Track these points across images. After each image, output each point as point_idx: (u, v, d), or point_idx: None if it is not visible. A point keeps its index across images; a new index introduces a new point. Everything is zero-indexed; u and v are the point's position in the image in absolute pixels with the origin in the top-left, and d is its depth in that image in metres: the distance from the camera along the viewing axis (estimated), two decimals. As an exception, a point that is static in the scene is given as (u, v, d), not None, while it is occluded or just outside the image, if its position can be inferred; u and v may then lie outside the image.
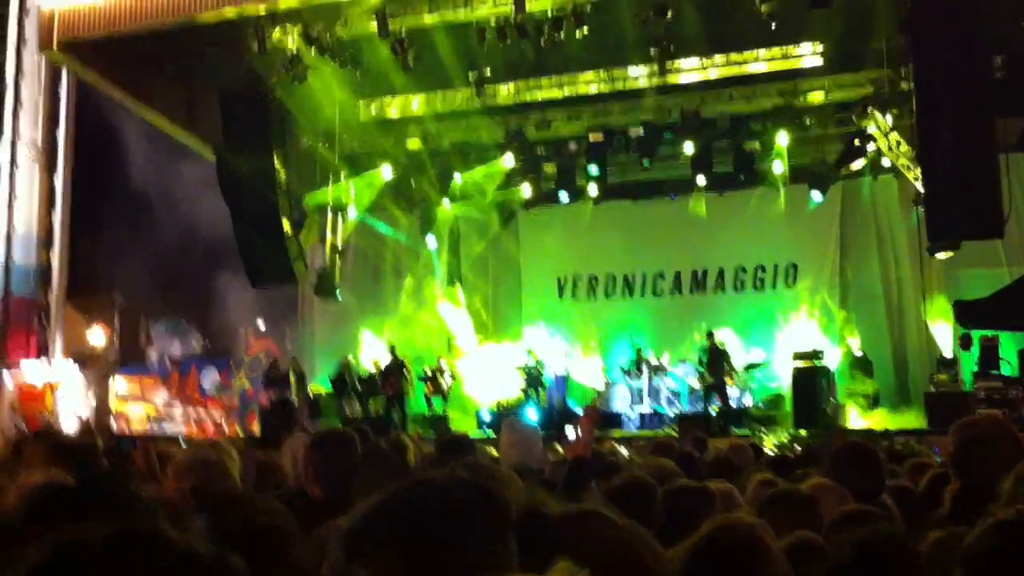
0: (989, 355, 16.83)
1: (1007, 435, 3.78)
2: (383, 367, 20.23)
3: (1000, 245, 16.61)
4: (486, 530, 1.63)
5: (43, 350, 25.03)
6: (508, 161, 20.90)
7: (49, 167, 25.25)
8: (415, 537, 1.58)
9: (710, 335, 18.37)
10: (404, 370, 20.00)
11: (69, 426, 20.61)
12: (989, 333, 17.00)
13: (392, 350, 20.35)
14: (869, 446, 4.62)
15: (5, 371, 23.62)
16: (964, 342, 17.40)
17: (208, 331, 30.20)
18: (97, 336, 30.15)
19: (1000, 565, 1.78)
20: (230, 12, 16.92)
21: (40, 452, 4.35)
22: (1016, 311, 16.59)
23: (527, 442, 5.23)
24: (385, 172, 21.39)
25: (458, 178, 21.68)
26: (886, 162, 18.90)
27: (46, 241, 25.26)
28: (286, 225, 19.49)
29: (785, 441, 13.86)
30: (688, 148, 19.55)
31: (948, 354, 17.86)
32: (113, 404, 24.92)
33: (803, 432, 15.39)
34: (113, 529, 1.50)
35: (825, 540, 3.14)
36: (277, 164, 19.11)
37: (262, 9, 16.87)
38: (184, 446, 10.38)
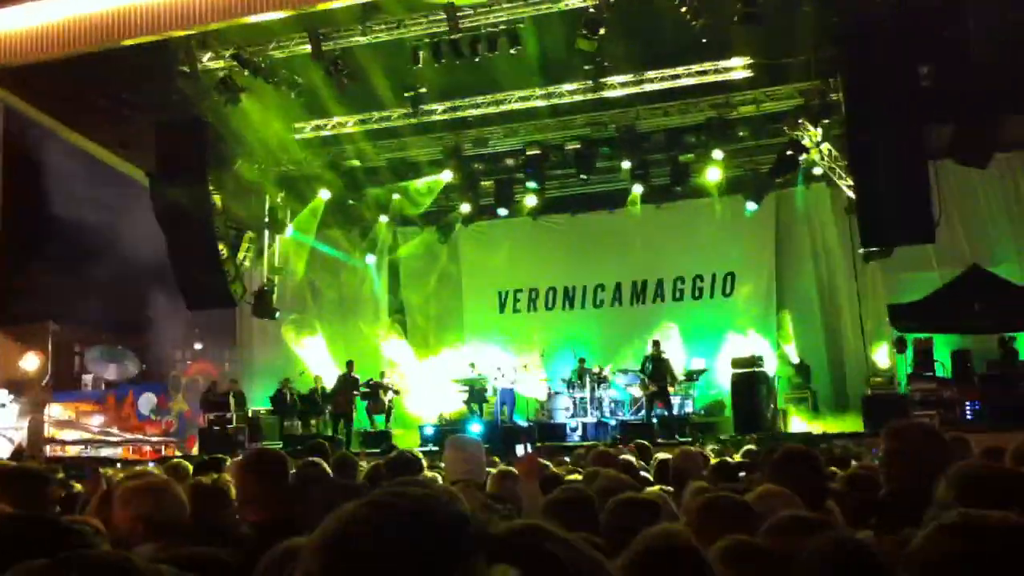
0: (923, 357, 17.18)
1: (934, 442, 3.86)
2: (334, 384, 20.04)
3: (931, 249, 16.97)
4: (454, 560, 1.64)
5: (-26, 379, 24.49)
6: (446, 176, 20.92)
7: (-23, 193, 24.69)
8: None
9: (655, 344, 18.52)
10: (357, 387, 19.86)
11: (2, 453, 20.20)
12: (923, 336, 17.34)
13: (348, 365, 20.18)
14: (809, 451, 4.66)
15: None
16: (899, 345, 17.74)
17: (145, 355, 29.75)
18: (30, 363, 29.58)
19: (953, 569, 1.81)
20: (156, 36, 16.70)
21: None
22: (948, 314, 16.97)
23: (472, 458, 5.25)
24: (323, 194, 21.31)
25: (396, 196, 21.66)
26: (818, 171, 19.24)
27: (-25, 268, 24.70)
28: (222, 248, 19.34)
29: (718, 447, 13.97)
30: (625, 162, 19.72)
31: (884, 358, 18.19)
32: (48, 430, 24.44)
33: (746, 437, 15.55)
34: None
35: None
36: (212, 187, 18.98)
37: (191, 32, 16.68)
38: (118, 468, 10.24)
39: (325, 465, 5.56)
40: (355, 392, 19.87)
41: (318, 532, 1.65)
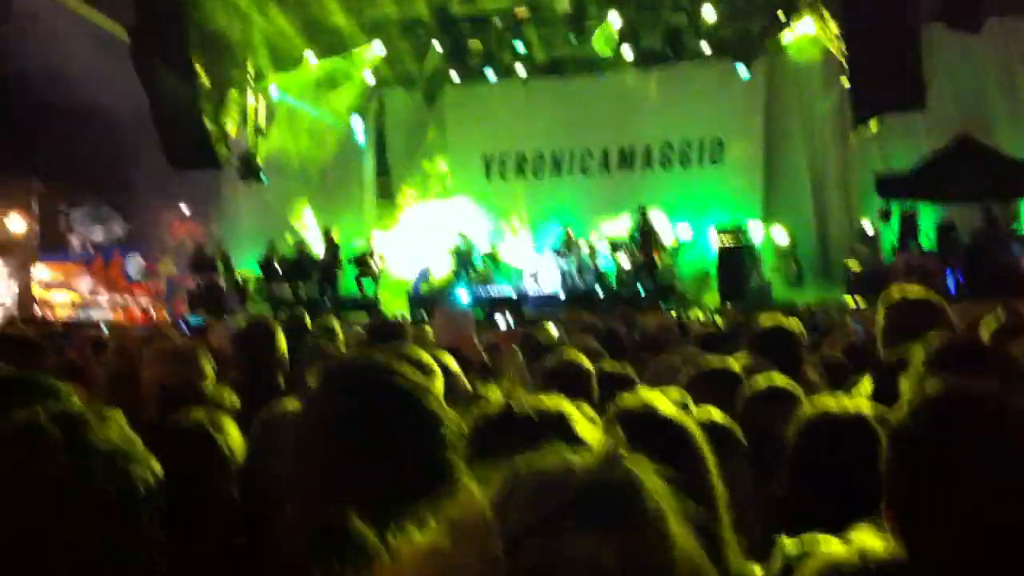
0: (908, 228, 17.25)
1: (932, 311, 3.86)
2: (316, 249, 20.13)
3: (920, 119, 16.82)
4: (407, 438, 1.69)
5: (-41, 240, 24.40)
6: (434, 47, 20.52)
7: (-44, 50, 24.17)
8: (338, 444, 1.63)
9: (643, 212, 18.50)
10: (334, 253, 19.94)
11: (-7, 314, 20.30)
12: (908, 205, 17.37)
13: (326, 233, 20.20)
14: (784, 327, 4.68)
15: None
16: (884, 215, 17.78)
17: (131, 217, 29.58)
18: (16, 223, 29.40)
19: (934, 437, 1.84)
20: None
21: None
22: (935, 183, 16.95)
23: (460, 325, 5.30)
24: (308, 55, 20.89)
25: (380, 52, 21.11)
26: (811, 33, 18.86)
27: (-44, 127, 24.35)
28: (206, 106, 19.04)
29: (703, 317, 14.12)
30: (615, 22, 19.27)
31: (869, 228, 18.23)
32: (36, 291, 24.50)
33: (727, 307, 15.71)
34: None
35: (744, 414, 3.23)
36: (193, 44, 18.55)
37: None
38: (106, 332, 10.31)
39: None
40: (336, 258, 19.93)
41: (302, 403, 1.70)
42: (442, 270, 20.24)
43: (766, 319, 4.87)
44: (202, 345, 4.31)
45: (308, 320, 6.35)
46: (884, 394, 3.12)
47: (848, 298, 16.45)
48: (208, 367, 3.97)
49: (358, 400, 1.71)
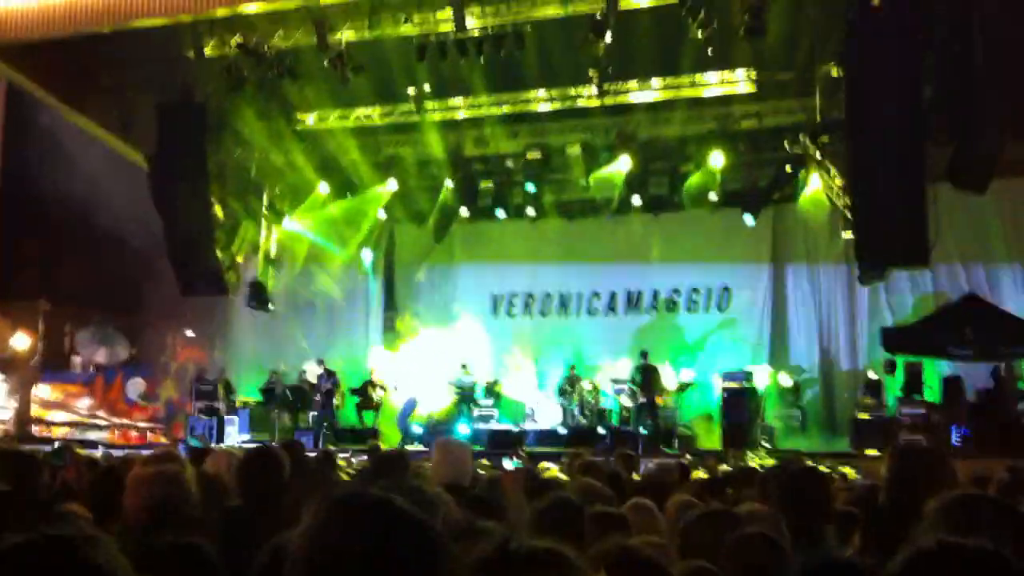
0: (913, 380, 17.22)
1: (939, 465, 3.82)
2: (314, 379, 20.14)
3: (927, 272, 17.00)
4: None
5: (-36, 356, 24.43)
6: (446, 186, 20.98)
7: (-26, 171, 24.67)
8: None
9: (644, 354, 18.55)
10: (334, 383, 19.92)
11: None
12: (914, 359, 17.36)
13: (320, 363, 20.26)
14: (821, 474, 4.57)
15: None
16: (889, 367, 17.77)
17: (135, 339, 29.67)
18: (20, 341, 29.48)
19: None
20: (165, 19, 16.74)
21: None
22: (940, 338, 16.97)
23: (459, 460, 5.24)
24: (322, 187, 21.31)
25: (393, 188, 21.56)
26: (817, 186, 19.24)
27: (-30, 245, 24.65)
28: (219, 235, 19.35)
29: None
30: (625, 168, 19.67)
31: (874, 379, 18.20)
32: (35, 410, 24.39)
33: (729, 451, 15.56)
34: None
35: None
36: (211, 174, 18.97)
37: (198, 17, 16.73)
38: (101, 453, 10.22)
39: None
40: (331, 387, 19.89)
41: (301, 532, 1.67)
42: (443, 402, 20.16)
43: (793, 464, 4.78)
44: (185, 469, 4.24)
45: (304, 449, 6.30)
46: (885, 544, 3.07)
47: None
48: (193, 491, 3.92)
49: (361, 532, 1.68)
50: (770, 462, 12.85)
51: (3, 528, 1.65)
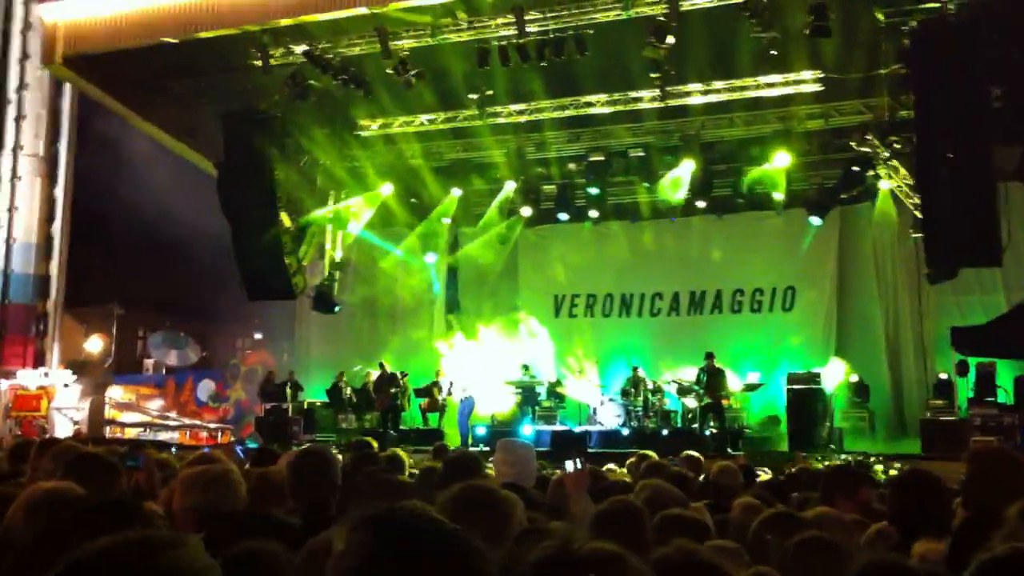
0: (985, 382, 16.85)
1: (1018, 468, 3.78)
2: (375, 381, 20.31)
3: (998, 273, 16.66)
4: None
5: (40, 358, 25.06)
6: (509, 187, 21.08)
7: (50, 178, 25.34)
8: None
9: (709, 356, 18.42)
10: (397, 384, 20.05)
11: (63, 433, 20.64)
12: (986, 360, 17.02)
13: (381, 365, 20.42)
14: (934, 476, 4.43)
15: (2, 378, 23.65)
16: (961, 369, 17.43)
17: (205, 342, 30.23)
18: (94, 345, 30.19)
19: None
20: (231, 29, 17.05)
21: (52, 462, 4.32)
22: (1013, 339, 16.62)
23: (522, 461, 5.27)
24: (385, 189, 21.52)
25: (457, 194, 21.80)
26: (884, 187, 18.98)
27: (45, 251, 25.33)
28: (285, 240, 19.61)
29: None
30: (688, 170, 19.60)
31: (945, 381, 17.87)
32: (108, 412, 24.92)
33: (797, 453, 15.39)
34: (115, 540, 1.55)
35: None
36: (278, 181, 19.25)
37: (265, 26, 17.01)
38: (175, 453, 10.42)
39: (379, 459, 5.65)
40: (394, 389, 19.99)
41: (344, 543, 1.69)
42: (506, 403, 20.21)
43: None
44: (236, 470, 4.28)
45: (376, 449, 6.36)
46: (961, 549, 3.06)
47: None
48: (242, 492, 3.96)
49: (391, 549, 1.68)
50: (835, 463, 12.67)
51: (85, 532, 1.69)
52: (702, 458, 10.00)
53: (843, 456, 15.16)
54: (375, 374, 20.54)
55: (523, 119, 19.60)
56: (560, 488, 5.51)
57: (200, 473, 3.97)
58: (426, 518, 1.69)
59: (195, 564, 1.58)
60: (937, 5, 14.76)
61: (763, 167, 19.38)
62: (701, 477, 8.26)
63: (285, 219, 19.71)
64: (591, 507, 4.69)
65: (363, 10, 16.32)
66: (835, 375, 18.83)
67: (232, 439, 22.97)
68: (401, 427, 19.96)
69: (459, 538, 1.69)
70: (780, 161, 19.02)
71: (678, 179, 19.60)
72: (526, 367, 20.46)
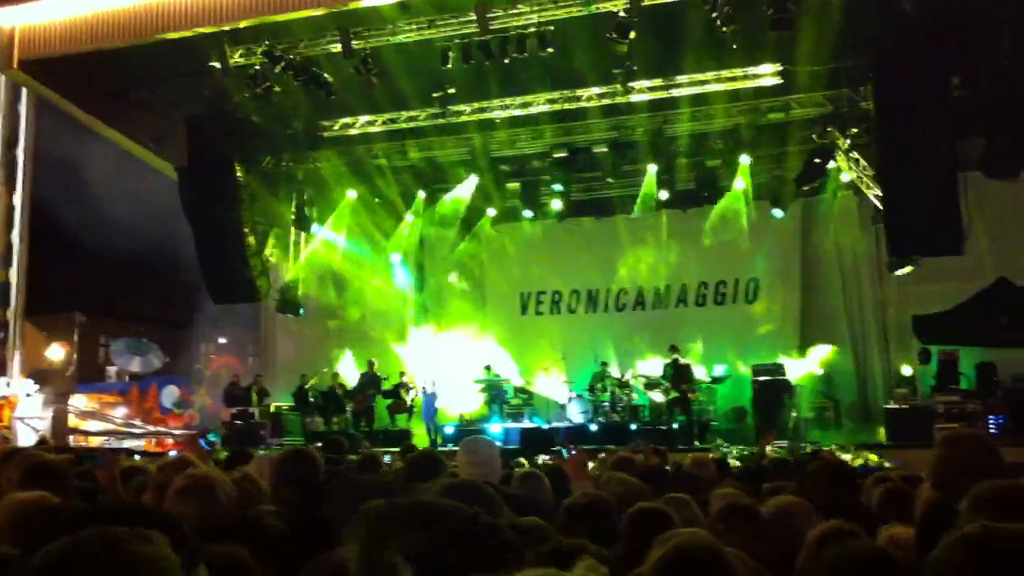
0: (947, 369, 17.04)
1: (989, 452, 3.81)
2: (357, 381, 20.26)
3: (958, 261, 16.84)
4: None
5: (0, 367, 24.72)
6: (471, 183, 21.06)
7: (8, 184, 24.98)
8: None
9: (673, 349, 18.50)
10: (378, 386, 20.04)
11: (26, 442, 20.38)
12: (948, 348, 17.22)
13: (370, 365, 20.37)
14: (846, 466, 4.59)
15: (-38, 389, 23.30)
16: (923, 357, 17.62)
17: (169, 348, 29.95)
18: (56, 353, 29.82)
19: None
20: (190, 31, 16.93)
21: (12, 472, 4.29)
22: (974, 326, 16.84)
23: (487, 460, 5.24)
24: (350, 193, 21.46)
25: (421, 194, 21.81)
26: (846, 178, 19.15)
27: (5, 259, 24.96)
28: (249, 243, 19.50)
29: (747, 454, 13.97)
30: (651, 166, 19.69)
31: (907, 369, 18.06)
32: (72, 421, 24.63)
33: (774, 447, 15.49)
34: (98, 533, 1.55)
35: (807, 558, 3.18)
36: (240, 183, 19.14)
37: (221, 28, 16.90)
38: (137, 459, 10.32)
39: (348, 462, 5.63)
40: (375, 391, 20.00)
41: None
42: (474, 402, 20.22)
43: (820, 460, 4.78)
44: (224, 478, 4.25)
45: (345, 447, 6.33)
46: (930, 530, 3.07)
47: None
48: (231, 498, 3.94)
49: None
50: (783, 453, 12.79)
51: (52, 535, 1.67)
52: (666, 451, 10.06)
53: (804, 444, 15.31)
54: (347, 375, 20.48)
55: (486, 117, 19.59)
56: (529, 481, 5.51)
57: (192, 483, 3.95)
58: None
59: (159, 558, 1.58)
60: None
61: (727, 162, 19.54)
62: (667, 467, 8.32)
63: (248, 221, 19.59)
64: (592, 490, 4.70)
65: (322, 10, 16.26)
66: (800, 366, 18.99)
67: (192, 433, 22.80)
68: (371, 428, 19.89)
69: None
70: (743, 155, 19.16)
71: (651, 181, 19.76)
72: (488, 367, 20.46)
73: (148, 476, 5.32)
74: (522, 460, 9.14)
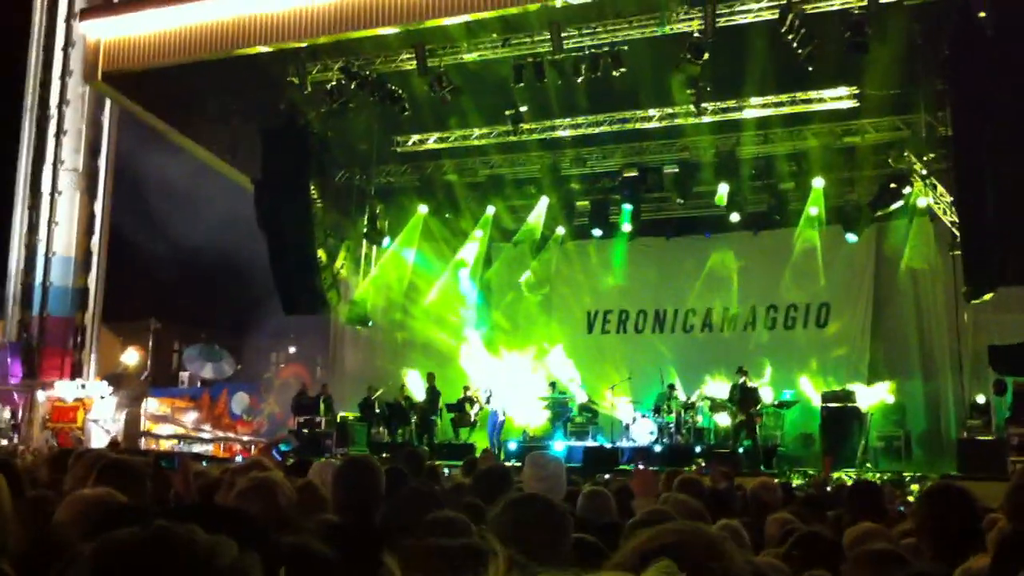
0: (1023, 401, 16.64)
1: None
2: (416, 395, 20.41)
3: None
4: None
5: (77, 369, 25.36)
6: (542, 206, 21.18)
7: (90, 193, 25.69)
8: None
9: (741, 372, 18.32)
10: (433, 398, 20.15)
11: (98, 444, 20.85)
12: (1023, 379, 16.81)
13: (429, 378, 20.51)
14: (960, 489, 4.41)
15: (40, 389, 23.94)
16: (998, 388, 17.21)
17: (240, 356, 30.45)
18: (131, 357, 30.49)
19: None
20: (270, 46, 17.27)
21: (84, 470, 4.38)
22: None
23: (552, 476, 5.24)
24: (421, 208, 21.67)
25: (490, 210, 21.96)
26: (922, 203, 18.83)
27: (84, 264, 25.66)
28: (321, 255, 19.79)
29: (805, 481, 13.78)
30: (723, 187, 19.56)
31: (982, 400, 17.66)
32: (144, 424, 25.16)
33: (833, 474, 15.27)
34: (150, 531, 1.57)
35: None
36: (314, 196, 19.44)
37: (302, 43, 17.22)
38: (205, 465, 10.52)
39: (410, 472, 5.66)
40: (436, 404, 20.11)
41: None
42: (539, 419, 20.22)
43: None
44: (280, 476, 4.29)
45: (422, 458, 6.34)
46: (1005, 562, 3.04)
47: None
48: (285, 501, 3.99)
49: None
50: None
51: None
52: (733, 475, 9.95)
53: (877, 475, 15.04)
54: (414, 387, 20.65)
55: (557, 135, 19.67)
56: (594, 499, 5.50)
57: (255, 485, 3.96)
58: None
59: (237, 564, 1.60)
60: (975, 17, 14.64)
61: (801, 185, 19.36)
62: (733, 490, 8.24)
63: (321, 234, 19.88)
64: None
65: (398, 27, 16.49)
66: (870, 393, 18.67)
67: (266, 440, 23.11)
68: (435, 442, 20.00)
69: None
70: (816, 178, 18.97)
71: (721, 202, 19.65)
72: (553, 384, 20.44)
73: (214, 479, 5.42)
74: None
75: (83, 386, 24.20)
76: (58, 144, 25.42)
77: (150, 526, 1.58)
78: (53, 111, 25.43)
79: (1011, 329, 17.28)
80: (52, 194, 25.30)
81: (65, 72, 25.29)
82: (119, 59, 18.65)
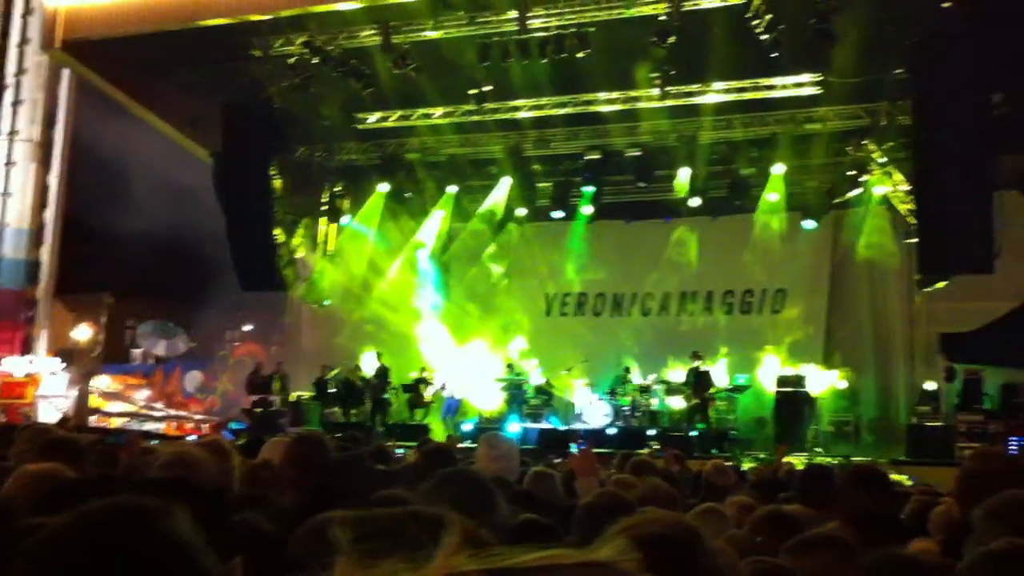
0: (972, 389, 16.93)
1: (1013, 469, 3.78)
2: (369, 375, 20.31)
3: (988, 280, 16.69)
4: None
5: (28, 344, 24.97)
6: (503, 186, 21.13)
7: (44, 164, 25.25)
8: None
9: (696, 356, 18.43)
10: (387, 379, 20.09)
11: (48, 420, 20.57)
12: (973, 367, 17.08)
13: (378, 357, 20.44)
14: (879, 470, 4.60)
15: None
16: (948, 375, 17.48)
17: (195, 333, 30.13)
18: (83, 333, 30.07)
19: None
20: (233, 19, 17.05)
21: (29, 445, 4.33)
22: (1001, 346, 16.69)
23: (505, 456, 5.25)
24: (382, 187, 21.51)
25: (451, 190, 21.87)
26: (879, 192, 19.01)
27: (37, 237, 25.23)
28: (279, 232, 19.61)
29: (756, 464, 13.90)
30: (684, 172, 19.62)
31: (931, 387, 17.91)
32: (94, 401, 24.84)
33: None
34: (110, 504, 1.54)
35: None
36: (273, 171, 19.25)
37: (264, 17, 17.02)
38: (154, 443, 10.40)
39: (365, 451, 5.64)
40: (387, 383, 20.05)
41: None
42: (494, 400, 20.23)
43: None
44: (231, 456, 4.26)
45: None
46: (956, 549, 3.06)
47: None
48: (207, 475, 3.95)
49: None
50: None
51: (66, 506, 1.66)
52: (685, 457, 10.03)
53: (827, 459, 15.19)
54: (369, 367, 20.56)
55: (520, 116, 19.62)
56: (541, 480, 5.51)
57: (176, 459, 3.90)
58: None
59: (183, 532, 1.57)
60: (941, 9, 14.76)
61: (761, 171, 19.46)
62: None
63: (279, 209, 19.71)
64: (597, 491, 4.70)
65: (363, 1, 16.35)
66: (823, 378, 18.88)
67: (217, 421, 22.95)
68: (389, 422, 19.95)
69: None
70: (776, 164, 19.08)
71: (682, 187, 19.71)
72: (510, 365, 20.47)
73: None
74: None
75: (31, 362, 23.82)
76: (14, 114, 24.93)
77: (115, 499, 1.56)
78: (10, 80, 24.91)
79: (962, 317, 17.53)
80: (7, 165, 24.84)
81: (23, 40, 24.78)
82: (78, 28, 18.34)
